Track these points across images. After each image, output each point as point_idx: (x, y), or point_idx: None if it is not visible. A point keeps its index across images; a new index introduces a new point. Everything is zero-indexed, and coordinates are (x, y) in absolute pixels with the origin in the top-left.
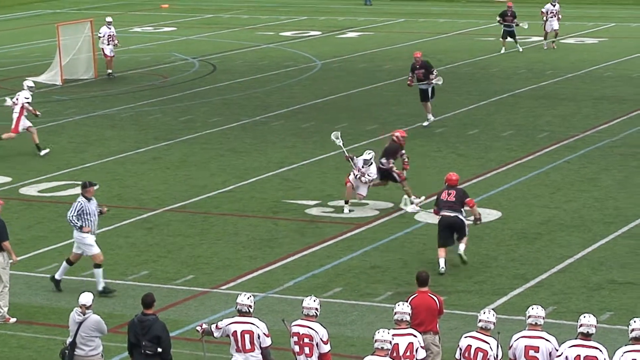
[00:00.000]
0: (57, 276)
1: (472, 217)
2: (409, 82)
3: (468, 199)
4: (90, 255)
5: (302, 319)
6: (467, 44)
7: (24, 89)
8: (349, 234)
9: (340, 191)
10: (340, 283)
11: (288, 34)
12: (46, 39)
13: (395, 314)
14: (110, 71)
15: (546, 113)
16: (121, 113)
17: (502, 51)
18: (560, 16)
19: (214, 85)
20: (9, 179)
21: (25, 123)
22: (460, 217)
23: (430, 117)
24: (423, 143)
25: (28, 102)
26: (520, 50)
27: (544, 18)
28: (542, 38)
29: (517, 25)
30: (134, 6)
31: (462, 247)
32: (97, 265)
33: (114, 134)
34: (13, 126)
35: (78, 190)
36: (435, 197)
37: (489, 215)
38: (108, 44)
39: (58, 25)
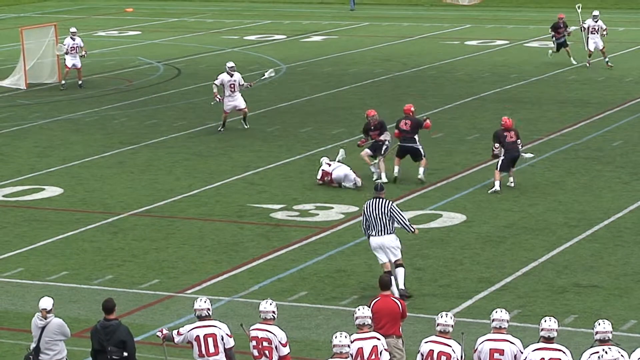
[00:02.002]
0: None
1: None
2: (359, 143)
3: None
4: (397, 258)
5: (260, 323)
6: (431, 47)
7: (224, 72)
8: (314, 238)
9: (304, 195)
10: (305, 287)
11: (252, 37)
12: (10, 43)
13: (357, 318)
14: (63, 82)
15: (511, 116)
16: (86, 117)
17: (550, 54)
18: (605, 33)
19: (179, 89)
20: None
21: (229, 104)
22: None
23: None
24: None
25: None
26: (575, 63)
27: (585, 35)
28: (587, 56)
29: (568, 34)
30: (98, 10)
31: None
32: (400, 265)
33: (78, 139)
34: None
35: (43, 194)
36: None
37: (453, 219)
38: (67, 54)
39: (22, 29)
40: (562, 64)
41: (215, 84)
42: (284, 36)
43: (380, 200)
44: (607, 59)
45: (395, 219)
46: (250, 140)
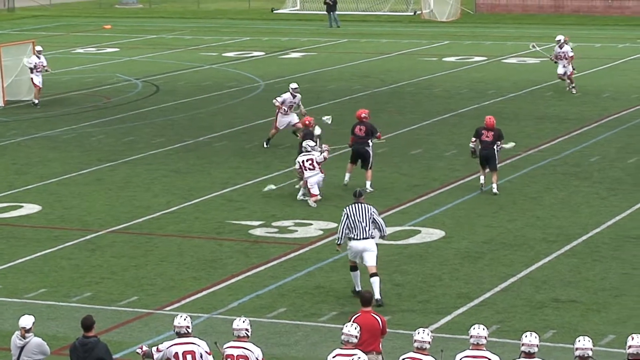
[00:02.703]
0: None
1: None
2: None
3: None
4: (372, 265)
5: (234, 341)
6: (409, 64)
7: (288, 92)
8: (293, 255)
9: (283, 212)
10: (284, 303)
11: (231, 54)
12: None
13: (342, 334)
14: (37, 101)
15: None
16: (64, 134)
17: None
18: (568, 57)
19: (157, 106)
20: None
21: (283, 120)
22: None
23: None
24: None
25: (284, 102)
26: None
27: (556, 62)
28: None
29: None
30: (76, 27)
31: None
32: (375, 274)
33: (56, 156)
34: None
35: (20, 211)
36: None
37: (432, 234)
38: (34, 73)
39: (0, 46)
40: (539, 81)
41: (277, 100)
42: (263, 53)
43: (362, 205)
44: (572, 86)
45: (376, 222)
46: (228, 157)
